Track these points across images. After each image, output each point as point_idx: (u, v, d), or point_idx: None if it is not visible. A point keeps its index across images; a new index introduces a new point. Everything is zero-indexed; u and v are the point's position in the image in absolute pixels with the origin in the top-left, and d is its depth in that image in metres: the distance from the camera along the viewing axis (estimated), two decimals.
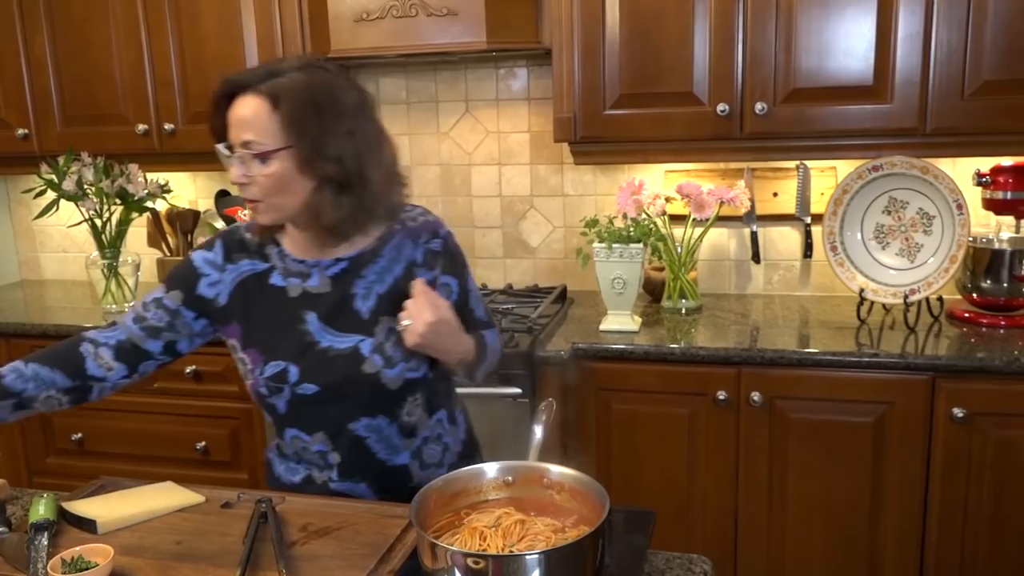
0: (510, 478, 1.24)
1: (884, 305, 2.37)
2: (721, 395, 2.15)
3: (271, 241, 1.44)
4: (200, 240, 2.63)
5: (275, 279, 1.42)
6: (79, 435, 2.71)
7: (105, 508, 1.36)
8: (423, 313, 1.31)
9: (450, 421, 1.54)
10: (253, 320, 1.41)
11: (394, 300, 1.38)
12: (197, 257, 1.46)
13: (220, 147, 1.35)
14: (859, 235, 2.37)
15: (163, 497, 1.42)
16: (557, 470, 1.23)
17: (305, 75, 1.31)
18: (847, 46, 2.20)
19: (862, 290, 2.32)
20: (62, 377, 1.42)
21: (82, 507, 1.36)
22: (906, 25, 2.16)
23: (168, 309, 1.44)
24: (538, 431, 1.31)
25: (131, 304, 2.85)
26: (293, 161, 1.29)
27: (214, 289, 1.43)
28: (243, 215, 2.89)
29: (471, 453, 1.58)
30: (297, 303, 1.40)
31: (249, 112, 1.29)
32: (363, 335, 1.38)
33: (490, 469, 1.25)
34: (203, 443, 2.59)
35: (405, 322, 1.32)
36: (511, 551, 1.10)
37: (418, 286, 1.34)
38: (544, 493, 1.22)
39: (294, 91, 1.29)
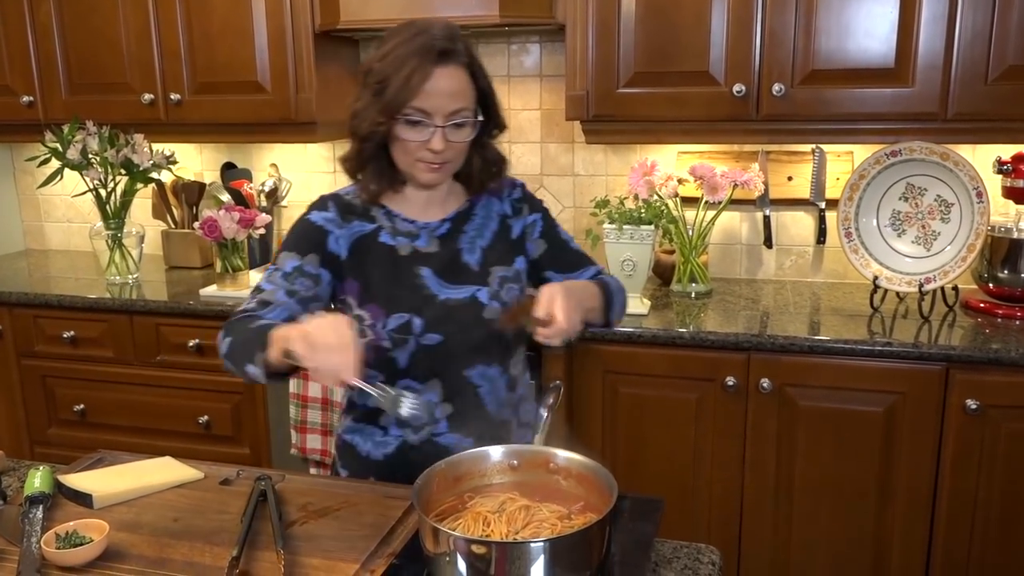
0: (515, 462, 1.21)
1: (898, 293, 2.33)
2: (730, 381, 2.12)
3: (376, 204, 1.46)
4: (206, 213, 2.60)
5: (384, 238, 1.43)
6: (81, 406, 2.69)
7: (102, 482, 1.34)
8: (559, 318, 1.27)
9: (544, 397, 1.52)
10: (370, 277, 1.42)
11: (495, 251, 1.47)
12: (317, 217, 1.44)
13: (416, 116, 1.33)
14: (875, 221, 2.32)
15: (161, 472, 1.39)
16: (564, 455, 1.20)
17: (459, 33, 1.36)
18: (868, 27, 2.15)
19: (876, 277, 2.28)
20: None
21: (79, 481, 1.34)
22: (930, 6, 2.10)
23: (311, 275, 1.40)
24: (544, 414, 1.27)
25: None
26: (477, 125, 1.39)
27: (338, 246, 1.43)
28: (248, 188, 2.86)
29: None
30: (409, 260, 1.43)
31: (458, 84, 1.34)
32: (478, 285, 1.43)
33: (495, 452, 1.23)
34: (205, 417, 2.57)
35: (546, 334, 1.29)
36: (515, 538, 1.07)
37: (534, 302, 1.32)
38: (550, 478, 1.19)
39: (472, 55, 1.36)
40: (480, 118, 1.39)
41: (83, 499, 1.29)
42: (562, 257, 1.54)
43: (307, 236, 1.43)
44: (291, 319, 1.32)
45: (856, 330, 2.13)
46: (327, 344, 1.13)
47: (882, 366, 2.04)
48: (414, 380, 1.42)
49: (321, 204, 1.47)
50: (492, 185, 1.50)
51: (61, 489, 1.32)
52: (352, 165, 1.44)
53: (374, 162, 1.41)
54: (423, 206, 1.47)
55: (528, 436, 1.31)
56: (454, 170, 1.43)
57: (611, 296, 1.50)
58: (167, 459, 1.45)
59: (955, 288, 2.29)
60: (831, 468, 2.11)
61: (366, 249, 1.43)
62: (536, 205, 1.56)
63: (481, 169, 1.46)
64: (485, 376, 1.44)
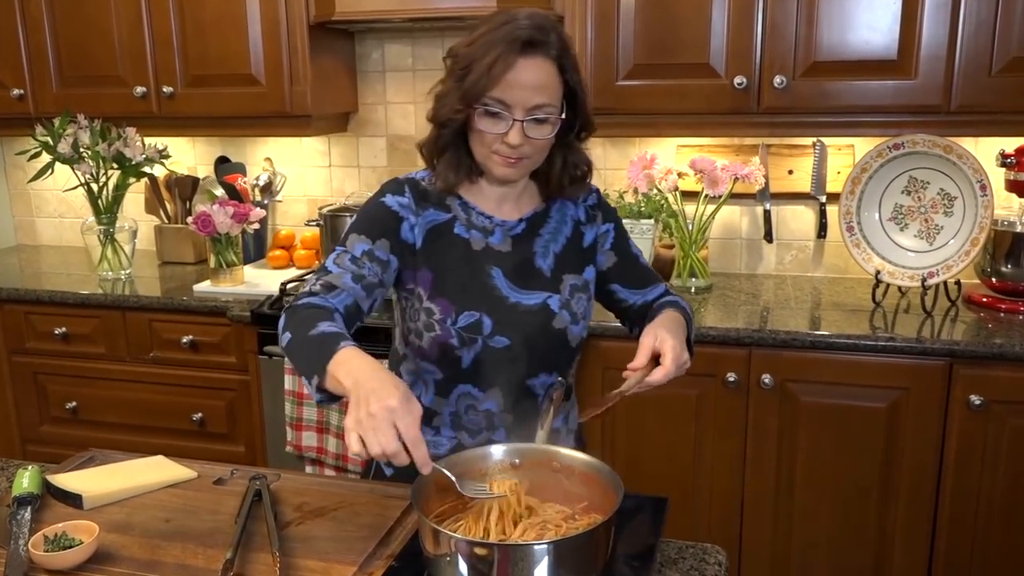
0: (517, 460, 1.18)
1: (900, 288, 2.30)
2: (731, 377, 2.10)
3: (451, 193, 1.39)
4: (200, 208, 2.56)
5: (459, 230, 1.37)
6: (73, 404, 2.66)
7: (92, 482, 1.31)
8: (668, 365, 1.26)
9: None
10: (443, 269, 1.36)
11: (569, 258, 1.41)
12: (392, 201, 1.37)
13: (495, 107, 1.26)
14: (877, 215, 2.30)
15: (153, 472, 1.36)
16: (567, 453, 1.18)
17: (554, 25, 1.29)
18: (871, 18, 2.13)
19: (878, 272, 2.26)
20: None
21: (68, 481, 1.31)
22: None
23: (381, 261, 1.33)
24: (548, 412, 1.25)
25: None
26: (559, 122, 1.31)
27: (413, 234, 1.36)
28: (242, 183, 2.82)
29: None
30: (482, 257, 1.37)
31: (543, 77, 1.27)
32: (550, 292, 1.38)
33: (496, 451, 1.20)
34: (199, 414, 2.54)
35: (656, 379, 1.26)
36: (518, 539, 1.04)
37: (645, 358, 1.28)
38: (553, 477, 1.17)
39: (564, 49, 1.28)
40: (564, 116, 1.31)
41: (73, 500, 1.26)
42: (631, 272, 1.48)
43: (381, 220, 1.36)
44: (355, 305, 1.29)
45: (858, 325, 2.11)
46: (387, 406, 1.02)
47: (884, 361, 2.02)
48: (475, 386, 1.36)
49: (397, 187, 1.39)
50: (572, 191, 1.42)
51: (50, 489, 1.29)
52: (430, 151, 1.37)
53: (452, 150, 1.35)
54: (498, 202, 1.40)
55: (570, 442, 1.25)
56: (532, 168, 1.36)
57: (691, 325, 1.44)
58: (159, 458, 1.42)
59: (958, 282, 2.27)
60: (833, 465, 2.09)
61: (440, 239, 1.37)
62: (610, 214, 1.49)
63: (562, 171, 1.39)
64: (546, 385, 1.39)
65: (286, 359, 2.19)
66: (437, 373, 1.38)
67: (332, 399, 1.16)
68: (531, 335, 1.35)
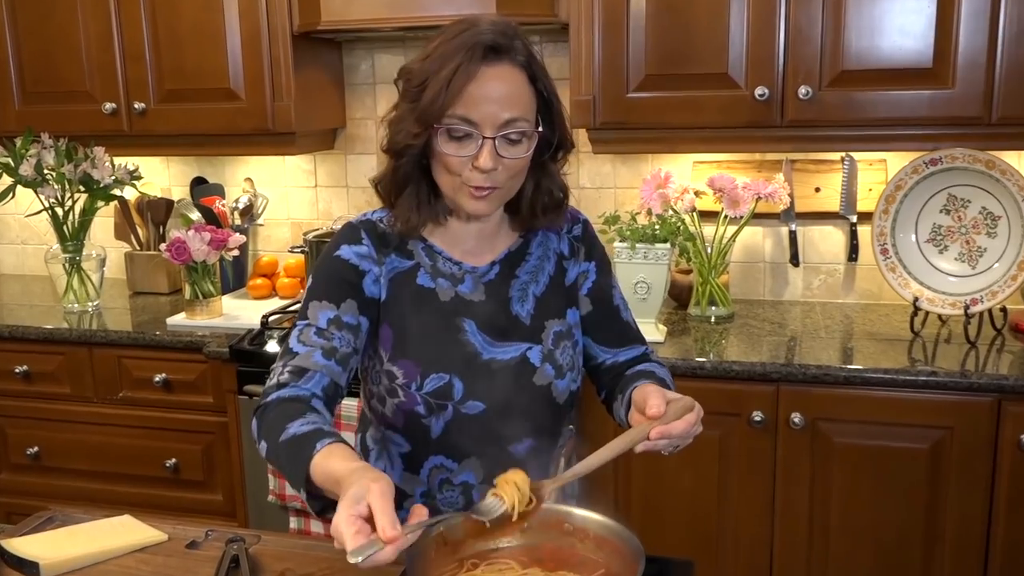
0: (526, 522, 1.13)
1: (941, 316, 2.27)
2: (757, 415, 2.07)
3: (415, 236, 1.31)
4: (174, 234, 2.53)
5: (423, 279, 1.30)
6: (35, 449, 2.62)
7: (51, 547, 1.28)
8: (683, 433, 1.16)
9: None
10: (406, 325, 1.27)
11: (552, 300, 1.33)
12: (349, 253, 1.28)
13: (460, 126, 1.18)
14: (913, 237, 2.28)
15: (119, 534, 1.33)
16: (580, 514, 1.14)
17: (518, 31, 1.23)
18: (903, 23, 2.11)
19: (916, 299, 2.22)
20: None
21: (24, 546, 1.27)
22: (971, 0, 2.06)
23: (350, 327, 1.25)
24: (559, 469, 1.21)
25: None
26: (536, 138, 1.24)
27: (377, 286, 1.29)
28: (220, 206, 2.80)
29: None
30: (452, 309, 1.29)
31: (514, 87, 1.19)
32: (529, 342, 1.30)
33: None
34: (173, 460, 2.51)
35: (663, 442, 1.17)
36: None
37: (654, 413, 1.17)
38: (565, 540, 1.13)
39: (532, 56, 1.22)
40: (540, 130, 1.22)
41: (29, 568, 1.22)
42: (607, 326, 1.39)
43: (340, 279, 1.27)
44: (332, 384, 1.22)
45: (896, 358, 2.08)
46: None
47: (926, 398, 1.99)
48: (448, 457, 1.29)
49: (352, 235, 1.30)
50: (546, 221, 1.32)
51: (3, 556, 1.25)
52: (387, 188, 1.28)
53: (413, 185, 1.26)
54: (470, 243, 1.32)
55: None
56: (507, 197, 1.26)
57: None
58: (126, 518, 1.39)
59: (1003, 310, 2.25)
60: (871, 512, 2.06)
61: (403, 291, 1.28)
62: (594, 251, 1.40)
63: (533, 198, 1.29)
64: (533, 450, 1.30)
65: None
66: (404, 445, 1.31)
67: (331, 505, 1.06)
68: (509, 396, 1.27)
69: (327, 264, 1.29)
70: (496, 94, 1.17)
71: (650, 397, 1.17)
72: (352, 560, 0.91)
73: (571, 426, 1.34)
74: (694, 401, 1.18)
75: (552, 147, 1.28)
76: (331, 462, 1.04)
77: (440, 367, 1.26)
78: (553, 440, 1.34)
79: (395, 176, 1.26)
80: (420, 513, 0.98)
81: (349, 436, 2.05)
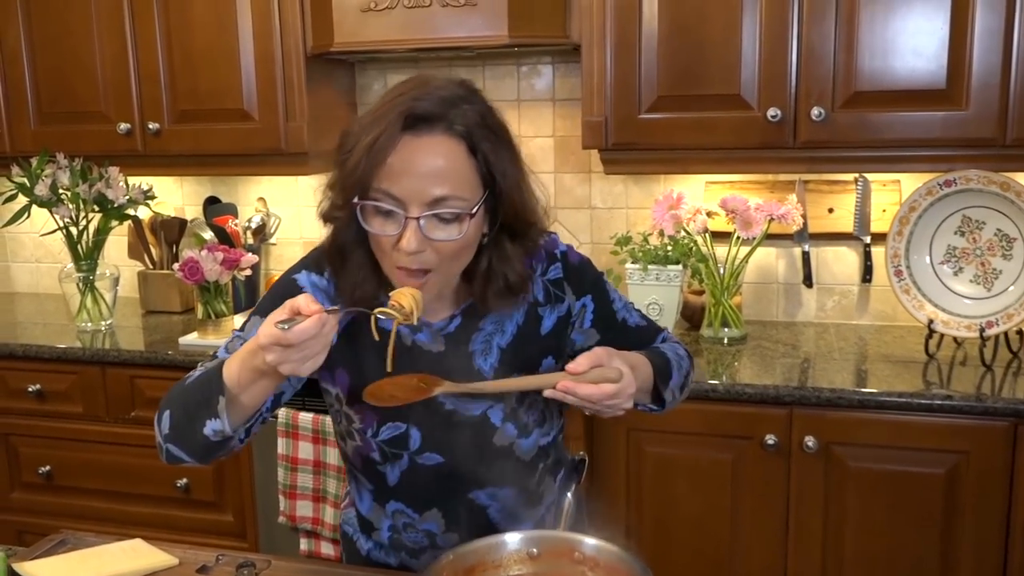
0: (535, 550, 1.14)
1: (956, 338, 2.26)
2: (770, 439, 2.05)
3: None
4: (187, 253, 2.54)
5: (381, 322, 1.20)
6: (47, 468, 2.63)
7: (63, 571, 1.29)
8: (590, 397, 1.12)
9: (566, 477, 1.39)
10: (363, 370, 1.22)
11: (517, 352, 1.23)
12: (304, 280, 1.23)
13: (387, 205, 1.08)
14: (928, 258, 2.27)
15: (130, 558, 1.34)
16: (592, 543, 1.14)
17: (467, 96, 1.13)
18: (916, 44, 2.11)
19: (931, 321, 2.21)
20: None
21: (36, 570, 1.28)
22: (984, 20, 2.06)
23: None
24: (569, 494, 1.21)
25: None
26: (480, 215, 1.13)
27: None
28: (233, 225, 2.82)
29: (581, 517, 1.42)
30: (409, 357, 1.23)
31: (443, 161, 1.07)
32: (491, 401, 1.23)
33: (512, 539, 1.16)
34: (184, 480, 2.51)
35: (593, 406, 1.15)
36: None
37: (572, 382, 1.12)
38: (575, 569, 1.13)
39: (481, 126, 1.10)
40: (475, 212, 1.10)
41: None
42: (621, 342, 1.27)
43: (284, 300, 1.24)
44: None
45: (911, 381, 2.07)
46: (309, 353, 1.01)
47: (942, 421, 1.98)
48: (407, 506, 1.28)
49: (316, 264, 1.25)
50: (496, 304, 1.21)
51: None
52: (330, 259, 1.21)
53: (355, 256, 1.17)
54: (427, 300, 1.21)
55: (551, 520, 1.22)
56: (448, 281, 1.18)
57: (672, 372, 1.29)
58: (137, 542, 1.40)
59: (1020, 332, 2.23)
60: (886, 537, 2.04)
61: (361, 333, 1.21)
62: (585, 284, 1.30)
63: (485, 279, 1.18)
64: (496, 497, 1.27)
65: (277, 424, 2.16)
66: (368, 484, 1.31)
67: (249, 429, 1.15)
68: (469, 452, 1.23)
69: (281, 283, 1.26)
70: (422, 168, 1.07)
71: (584, 355, 1.12)
72: (279, 327, 0.98)
73: (582, 453, 1.35)
74: (627, 378, 1.13)
75: (511, 229, 1.17)
76: (237, 352, 1.09)
77: (397, 416, 1.21)
78: (524, 493, 1.28)
79: (332, 246, 1.19)
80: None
81: (307, 446, 2.11)
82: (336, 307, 1.07)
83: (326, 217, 1.17)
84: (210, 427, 1.12)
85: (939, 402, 1.97)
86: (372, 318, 1.09)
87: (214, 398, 1.10)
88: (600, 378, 1.12)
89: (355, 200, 1.09)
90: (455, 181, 1.09)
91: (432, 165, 1.07)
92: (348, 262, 1.18)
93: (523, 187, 1.17)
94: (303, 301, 1.01)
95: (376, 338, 1.09)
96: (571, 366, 1.11)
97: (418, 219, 1.08)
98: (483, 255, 1.18)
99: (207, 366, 1.21)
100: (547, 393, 1.12)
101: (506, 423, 1.25)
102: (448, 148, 1.08)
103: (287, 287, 1.24)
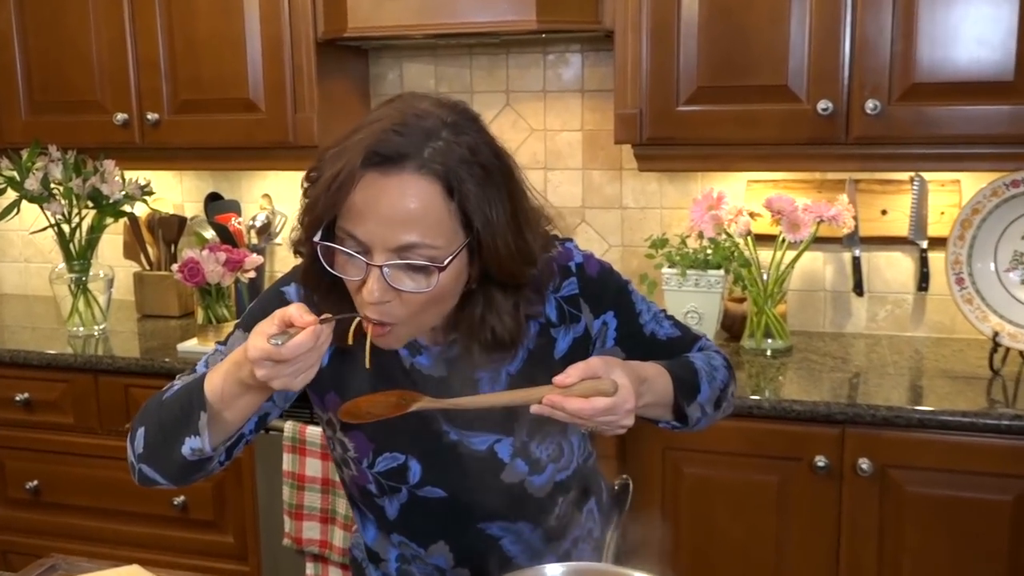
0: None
1: (1022, 352, 2.19)
2: (820, 461, 2.01)
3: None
4: (187, 253, 2.50)
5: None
6: (35, 483, 2.60)
7: None
8: (579, 413, 1.03)
9: (599, 509, 1.34)
10: (354, 392, 1.16)
11: (530, 378, 1.12)
12: (293, 293, 1.19)
13: (347, 249, 1.02)
14: (992, 265, 2.22)
15: None
16: (626, 573, 1.06)
17: (456, 125, 1.03)
18: (980, 32, 2.07)
19: (996, 333, 2.15)
20: None
21: None
22: None
23: None
24: (611, 528, 1.14)
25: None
26: (460, 262, 1.05)
27: None
28: (236, 223, 2.78)
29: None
30: (408, 380, 1.18)
31: (414, 202, 0.99)
32: (498, 433, 1.17)
33: (552, 571, 1.11)
34: (182, 498, 2.48)
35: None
36: None
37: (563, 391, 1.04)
38: None
39: (466, 162, 1.01)
40: (446, 265, 1.01)
41: None
42: (653, 356, 1.21)
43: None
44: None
45: (974, 398, 2.02)
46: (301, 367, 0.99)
47: (1009, 444, 1.93)
48: (412, 540, 1.23)
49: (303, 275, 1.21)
50: (481, 360, 1.14)
51: None
52: (304, 283, 1.16)
53: (329, 288, 1.11)
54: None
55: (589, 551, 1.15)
56: (419, 332, 1.12)
57: (701, 384, 1.21)
58: (134, 568, 1.38)
59: None
60: (948, 568, 2.00)
61: (349, 356, 1.16)
62: (605, 299, 1.22)
63: (472, 330, 1.10)
64: (508, 529, 1.21)
65: (283, 439, 2.10)
66: (369, 515, 1.26)
67: (234, 445, 1.13)
68: (475, 488, 1.17)
69: (268, 296, 1.22)
70: (388, 211, 0.99)
71: (576, 365, 1.04)
72: (273, 342, 0.96)
73: (625, 476, 1.27)
74: (624, 392, 1.04)
75: (498, 278, 1.08)
76: (220, 365, 1.06)
77: (395, 446, 1.17)
78: (536, 525, 1.22)
79: (307, 277, 1.13)
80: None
81: (315, 462, 2.03)
82: (329, 315, 1.03)
83: (294, 248, 1.12)
84: (188, 445, 1.08)
85: (1006, 422, 1.92)
86: (354, 323, 1.06)
87: (194, 413, 1.07)
88: (592, 391, 1.03)
89: (316, 239, 1.03)
90: (425, 227, 1.00)
91: (399, 208, 0.99)
92: (321, 289, 1.13)
93: (521, 230, 1.07)
94: (296, 311, 0.99)
95: (349, 342, 1.07)
96: (559, 378, 1.03)
97: (381, 268, 1.01)
98: (475, 302, 1.10)
99: (186, 380, 1.18)
100: (533, 409, 1.04)
101: (515, 459, 1.18)
102: (419, 189, 0.99)
103: (274, 300, 1.19)
